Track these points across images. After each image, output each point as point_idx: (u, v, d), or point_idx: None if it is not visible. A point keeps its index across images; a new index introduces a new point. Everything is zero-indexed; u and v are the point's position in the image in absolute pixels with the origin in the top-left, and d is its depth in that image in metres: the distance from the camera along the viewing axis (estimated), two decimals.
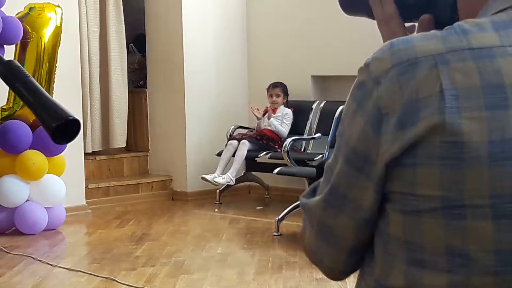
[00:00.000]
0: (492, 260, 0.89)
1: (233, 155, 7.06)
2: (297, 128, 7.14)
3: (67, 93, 6.30)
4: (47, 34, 5.79)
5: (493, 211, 0.88)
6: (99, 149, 7.69)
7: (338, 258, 1.04)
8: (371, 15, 1.14)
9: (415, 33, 1.11)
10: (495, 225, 0.88)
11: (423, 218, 0.91)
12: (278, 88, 7.22)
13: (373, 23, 1.17)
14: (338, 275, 1.08)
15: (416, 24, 1.11)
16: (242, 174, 7.42)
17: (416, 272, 0.92)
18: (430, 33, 0.94)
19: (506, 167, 0.87)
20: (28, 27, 5.73)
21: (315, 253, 1.06)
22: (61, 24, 5.89)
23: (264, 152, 6.94)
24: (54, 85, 5.86)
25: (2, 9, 5.60)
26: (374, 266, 0.98)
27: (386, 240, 0.95)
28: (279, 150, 6.80)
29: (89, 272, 4.75)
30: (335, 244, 1.02)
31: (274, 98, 7.20)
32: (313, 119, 7.11)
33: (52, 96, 5.16)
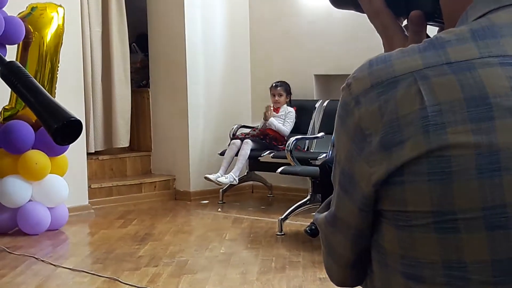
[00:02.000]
0: (490, 271, 0.88)
1: (236, 155, 7.05)
2: (300, 127, 7.13)
3: (70, 93, 6.30)
4: (49, 33, 5.78)
5: (486, 222, 0.87)
6: (102, 149, 7.69)
7: (342, 274, 1.06)
8: (359, 9, 1.13)
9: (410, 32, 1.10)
10: (490, 236, 0.87)
11: (416, 233, 0.90)
12: (280, 88, 7.21)
13: None
14: None
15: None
16: (245, 173, 7.41)
17: (415, 286, 0.91)
18: (408, 49, 0.93)
19: (495, 178, 0.86)
20: (30, 27, 5.73)
21: (327, 268, 1.09)
22: (63, 24, 5.89)
23: (267, 152, 6.93)
24: (56, 85, 5.86)
25: (4, 8, 5.59)
26: (374, 278, 0.98)
27: (383, 253, 0.96)
28: (282, 149, 6.79)
29: (92, 272, 4.74)
30: (337, 259, 1.04)
31: (276, 98, 7.19)
32: (316, 118, 7.10)
33: (55, 96, 5.17)
